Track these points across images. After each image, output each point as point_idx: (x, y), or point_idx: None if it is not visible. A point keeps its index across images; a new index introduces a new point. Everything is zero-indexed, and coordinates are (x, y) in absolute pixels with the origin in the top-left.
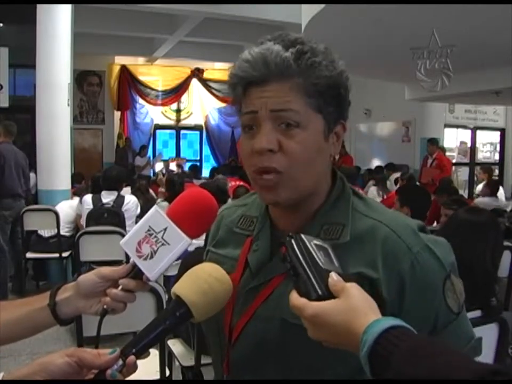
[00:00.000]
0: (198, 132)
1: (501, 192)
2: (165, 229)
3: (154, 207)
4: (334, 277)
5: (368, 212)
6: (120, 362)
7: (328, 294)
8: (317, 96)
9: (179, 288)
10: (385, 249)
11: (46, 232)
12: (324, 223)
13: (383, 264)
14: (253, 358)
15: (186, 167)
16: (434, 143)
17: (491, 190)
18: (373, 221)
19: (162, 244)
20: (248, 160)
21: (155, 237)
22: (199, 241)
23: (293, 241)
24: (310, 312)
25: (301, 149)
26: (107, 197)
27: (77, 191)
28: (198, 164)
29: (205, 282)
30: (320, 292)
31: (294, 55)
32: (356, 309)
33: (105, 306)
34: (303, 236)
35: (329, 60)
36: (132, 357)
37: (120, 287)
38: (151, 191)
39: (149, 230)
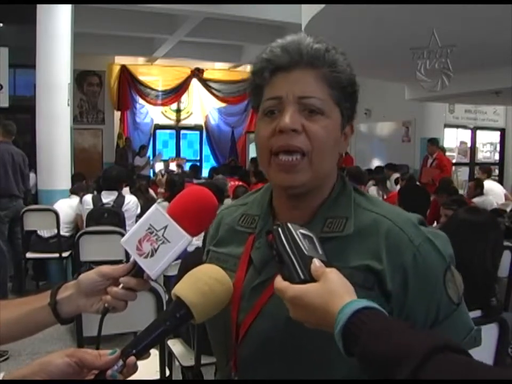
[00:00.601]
0: (198, 132)
1: (499, 191)
2: (166, 227)
3: (155, 205)
4: (316, 263)
5: (370, 206)
6: (121, 363)
7: (310, 278)
8: (338, 89)
9: (179, 289)
10: (388, 241)
11: (45, 233)
12: (327, 217)
13: (387, 256)
14: (260, 355)
15: (187, 167)
16: (434, 143)
17: (481, 189)
18: (375, 215)
19: (163, 242)
20: (266, 142)
21: (156, 235)
22: (199, 242)
23: (279, 229)
24: (291, 294)
25: (323, 134)
26: (107, 197)
27: (75, 190)
28: (198, 163)
29: (205, 284)
30: (302, 276)
31: (324, 48)
32: (333, 291)
33: (106, 305)
34: (289, 225)
35: (347, 62)
36: (132, 358)
37: (121, 285)
38: (150, 191)
39: (149, 228)
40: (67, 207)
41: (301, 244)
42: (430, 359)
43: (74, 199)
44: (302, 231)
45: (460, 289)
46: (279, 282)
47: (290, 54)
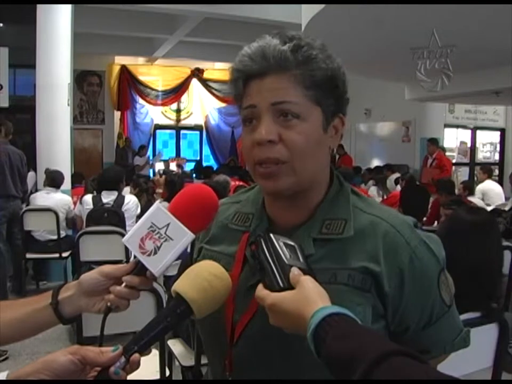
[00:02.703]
0: (198, 132)
1: (499, 191)
2: (168, 225)
3: (156, 203)
4: (294, 271)
5: (366, 208)
6: (123, 359)
7: (289, 286)
8: (315, 88)
9: (179, 285)
10: (386, 243)
11: (42, 237)
12: (325, 219)
13: (384, 258)
14: (256, 355)
15: (187, 167)
16: (434, 143)
17: (469, 191)
18: (372, 217)
19: (166, 240)
20: (249, 153)
21: (158, 233)
22: None
23: (262, 240)
24: (269, 301)
25: (301, 139)
26: (107, 197)
27: (54, 183)
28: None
29: (204, 279)
30: (281, 284)
31: (291, 48)
32: (307, 298)
33: (108, 304)
34: (271, 235)
35: (326, 54)
36: (136, 355)
37: (123, 284)
38: None
39: (151, 227)
40: (53, 207)
41: (281, 253)
42: (380, 362)
43: (54, 195)
44: (284, 240)
45: (452, 291)
46: (260, 290)
47: (256, 61)
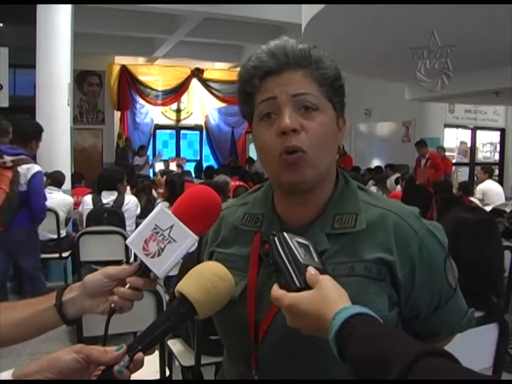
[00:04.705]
0: (198, 132)
1: (500, 191)
2: (171, 227)
3: (160, 205)
4: (311, 271)
5: (374, 202)
6: (127, 358)
7: (306, 286)
8: (327, 86)
9: (183, 286)
10: (396, 233)
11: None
12: (336, 214)
13: (396, 247)
14: (281, 352)
15: (188, 167)
16: (422, 145)
17: (463, 191)
18: (381, 210)
19: (169, 242)
20: (271, 145)
21: (161, 234)
22: None
23: (275, 238)
24: (287, 302)
25: (321, 129)
26: (107, 197)
27: (56, 183)
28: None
29: (208, 280)
30: (298, 284)
31: (307, 47)
32: (327, 298)
33: (112, 305)
34: (285, 234)
35: (330, 58)
36: (140, 354)
37: (127, 286)
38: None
39: (155, 228)
40: (55, 206)
41: (296, 253)
42: (415, 364)
43: (57, 194)
44: (298, 239)
45: (456, 275)
46: (276, 290)
47: (277, 57)
